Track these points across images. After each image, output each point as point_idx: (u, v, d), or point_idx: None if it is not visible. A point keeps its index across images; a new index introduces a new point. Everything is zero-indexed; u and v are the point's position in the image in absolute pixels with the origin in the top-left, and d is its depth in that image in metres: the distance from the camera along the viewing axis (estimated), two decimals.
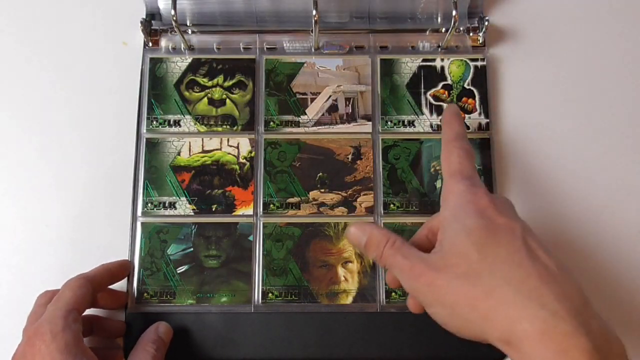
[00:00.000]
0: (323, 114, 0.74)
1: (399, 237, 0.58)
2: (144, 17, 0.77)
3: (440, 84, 0.75)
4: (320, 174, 0.73)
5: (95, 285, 0.64)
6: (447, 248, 0.55)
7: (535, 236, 0.55)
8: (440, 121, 0.74)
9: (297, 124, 0.74)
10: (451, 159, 0.60)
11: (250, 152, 0.73)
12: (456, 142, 0.61)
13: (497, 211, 0.55)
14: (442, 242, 0.56)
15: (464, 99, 0.75)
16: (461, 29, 0.78)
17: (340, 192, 0.72)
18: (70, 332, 0.57)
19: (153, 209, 0.71)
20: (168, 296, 0.69)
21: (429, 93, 0.75)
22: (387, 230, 0.59)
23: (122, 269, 0.69)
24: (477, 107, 0.75)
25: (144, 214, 0.71)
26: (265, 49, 0.77)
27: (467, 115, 0.74)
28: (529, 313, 0.49)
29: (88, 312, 0.65)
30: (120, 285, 0.70)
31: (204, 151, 0.73)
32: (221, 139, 0.74)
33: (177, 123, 0.74)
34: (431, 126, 0.74)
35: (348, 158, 0.73)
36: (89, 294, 0.62)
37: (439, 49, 0.77)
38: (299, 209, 0.72)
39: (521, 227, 0.54)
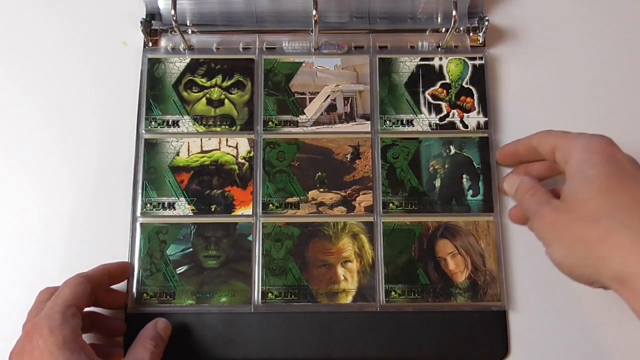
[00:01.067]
0: (322, 114, 0.74)
1: (542, 188, 0.63)
2: (144, 17, 0.77)
3: (439, 83, 0.75)
4: (319, 173, 0.73)
5: (94, 284, 0.64)
6: (572, 195, 0.58)
7: None
8: (444, 120, 0.74)
9: (295, 124, 0.74)
10: (552, 132, 0.65)
11: (249, 152, 0.73)
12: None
13: (625, 160, 0.58)
14: (567, 191, 0.59)
15: (462, 97, 0.75)
16: (461, 28, 0.78)
17: (339, 192, 0.72)
18: (68, 327, 0.57)
19: (152, 210, 0.71)
20: (168, 296, 0.69)
21: (427, 92, 0.75)
22: (534, 182, 0.65)
23: (121, 271, 0.69)
24: (476, 105, 0.75)
25: (143, 214, 0.71)
26: (264, 49, 0.77)
27: (465, 114, 0.74)
28: None
29: (89, 309, 0.65)
30: (120, 286, 0.70)
31: (202, 151, 0.73)
32: (220, 139, 0.74)
33: (175, 123, 0.74)
34: (430, 125, 0.74)
35: (347, 157, 0.73)
36: (87, 292, 0.62)
37: (439, 49, 0.77)
38: (298, 209, 0.72)
39: None
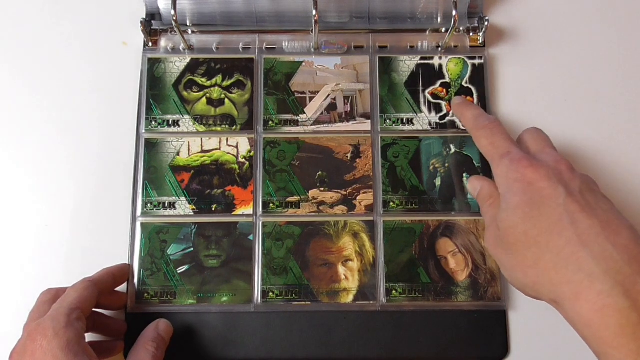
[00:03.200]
0: (322, 113, 0.74)
1: (494, 201, 0.64)
2: (144, 17, 0.77)
3: (439, 82, 0.75)
4: (320, 172, 0.73)
5: (100, 288, 0.64)
6: (502, 223, 0.60)
7: (584, 195, 0.58)
8: (444, 119, 0.74)
9: (296, 123, 0.74)
10: (482, 144, 0.66)
11: (250, 151, 0.73)
12: (476, 125, 0.67)
13: (542, 179, 0.59)
14: (499, 218, 0.61)
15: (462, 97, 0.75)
16: (461, 29, 0.78)
17: (339, 191, 0.72)
18: (72, 329, 0.57)
19: (153, 209, 0.71)
20: (168, 296, 0.69)
21: (427, 91, 0.75)
22: (493, 190, 0.65)
23: (122, 272, 0.69)
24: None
25: (143, 214, 0.71)
26: (264, 48, 0.77)
27: None
28: (568, 277, 0.54)
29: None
30: (120, 288, 0.70)
31: (203, 151, 0.73)
32: (220, 139, 0.74)
33: (176, 123, 0.74)
34: (430, 124, 0.74)
35: (347, 157, 0.73)
36: (93, 296, 0.62)
37: (439, 49, 0.77)
38: (299, 208, 0.72)
39: (564, 192, 0.57)
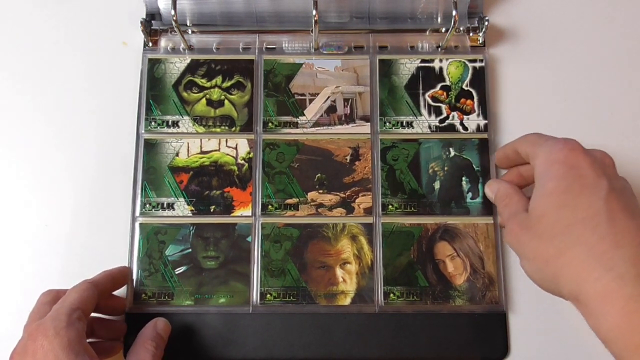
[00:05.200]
0: (321, 115, 0.74)
1: (517, 195, 0.64)
2: (144, 17, 0.77)
3: (439, 85, 0.75)
4: (319, 175, 0.73)
5: (100, 290, 0.64)
6: (532, 210, 0.59)
7: (626, 195, 0.57)
8: (444, 122, 0.74)
9: (295, 125, 0.74)
10: (528, 139, 0.64)
11: (249, 153, 0.73)
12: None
13: (588, 166, 0.57)
14: (531, 205, 0.59)
15: (462, 100, 0.75)
16: (461, 29, 0.78)
17: (338, 193, 0.72)
18: (73, 329, 0.57)
19: (151, 210, 0.72)
20: (166, 297, 0.69)
21: (427, 94, 0.75)
22: (511, 189, 0.65)
23: (122, 275, 0.69)
24: (476, 108, 0.74)
25: (142, 214, 0.71)
26: (264, 49, 0.77)
27: (465, 116, 0.74)
28: (596, 275, 0.52)
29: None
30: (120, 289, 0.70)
31: (202, 152, 0.73)
32: (219, 140, 0.74)
33: (175, 124, 0.74)
34: (429, 127, 0.74)
35: (346, 159, 0.73)
36: (94, 297, 0.62)
37: (439, 49, 0.77)
38: (298, 210, 0.72)
39: (608, 186, 0.56)
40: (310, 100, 0.75)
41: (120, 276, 0.69)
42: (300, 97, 0.75)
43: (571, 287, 0.54)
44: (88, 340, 0.59)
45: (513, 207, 0.62)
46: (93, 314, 0.65)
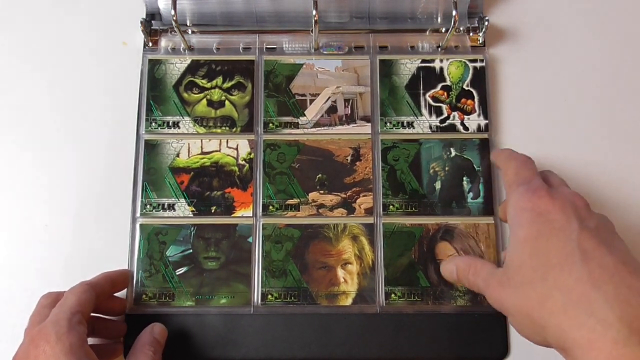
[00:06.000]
0: (322, 116, 0.74)
1: (479, 260, 0.63)
2: (144, 17, 0.77)
3: (439, 85, 0.75)
4: (320, 175, 0.72)
5: (98, 292, 0.63)
6: (508, 261, 0.57)
7: (601, 232, 0.55)
8: (445, 122, 0.74)
9: (296, 126, 0.74)
10: (508, 173, 0.63)
11: (250, 153, 0.73)
12: (509, 158, 0.65)
13: (556, 210, 0.56)
14: (507, 257, 0.58)
15: (463, 100, 0.75)
16: (461, 29, 0.78)
17: (339, 194, 0.72)
18: (75, 334, 0.56)
19: (152, 211, 0.71)
20: (167, 298, 0.69)
21: (428, 94, 0.75)
22: (469, 259, 0.65)
23: (122, 278, 0.69)
24: (476, 108, 0.74)
25: (143, 215, 0.71)
26: (264, 49, 0.77)
27: (465, 116, 0.74)
28: (578, 321, 0.50)
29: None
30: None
31: (203, 153, 0.73)
32: (220, 141, 0.74)
33: (176, 124, 0.74)
34: (430, 127, 0.74)
35: (347, 159, 0.73)
36: (92, 299, 0.62)
37: (439, 49, 0.77)
38: (298, 211, 0.72)
39: (578, 226, 0.54)
40: (311, 101, 0.75)
41: (120, 279, 0.68)
42: (300, 98, 0.75)
43: (557, 336, 0.52)
44: (89, 341, 0.60)
45: (483, 271, 0.61)
46: (93, 314, 0.66)
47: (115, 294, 0.69)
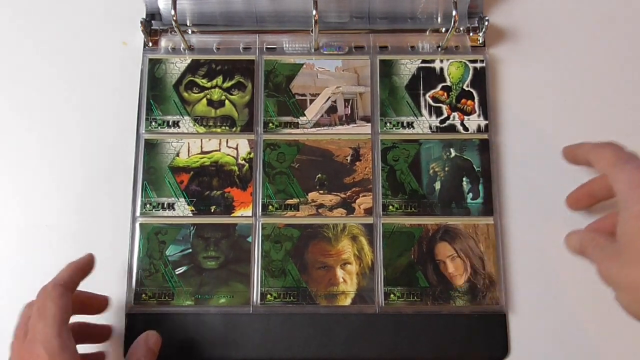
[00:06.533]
0: (322, 115, 0.74)
1: (602, 236, 0.61)
2: (144, 17, 0.77)
3: (440, 86, 0.75)
4: (319, 175, 0.73)
5: (73, 289, 0.61)
6: (619, 236, 0.56)
7: None
8: (445, 122, 0.74)
9: (296, 125, 0.74)
10: (605, 156, 0.61)
11: (249, 153, 0.73)
12: (597, 146, 0.64)
13: None
14: (618, 233, 0.57)
15: (463, 100, 0.75)
16: (461, 29, 0.78)
17: (339, 194, 0.72)
18: (68, 351, 0.55)
19: (152, 210, 0.71)
20: (166, 297, 0.69)
21: (428, 94, 0.75)
22: (594, 233, 0.63)
23: (89, 264, 0.65)
24: (476, 108, 0.75)
25: (142, 214, 0.71)
26: (264, 49, 0.77)
27: (465, 117, 0.74)
28: None
29: (75, 322, 0.64)
30: (118, 287, 0.70)
31: (202, 152, 0.73)
32: (220, 140, 0.74)
33: (176, 124, 0.74)
34: (430, 128, 0.74)
35: (347, 159, 0.73)
36: (70, 301, 0.59)
37: (439, 49, 0.77)
38: (298, 210, 0.72)
39: None
40: (311, 101, 0.75)
41: (87, 265, 0.65)
42: (300, 98, 0.75)
43: None
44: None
45: (602, 243, 0.59)
46: (78, 320, 0.65)
47: (115, 294, 0.69)
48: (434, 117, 0.74)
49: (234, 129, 0.74)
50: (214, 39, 0.77)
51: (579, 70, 0.78)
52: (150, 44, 0.77)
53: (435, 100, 0.75)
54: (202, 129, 0.74)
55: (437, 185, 0.72)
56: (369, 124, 0.74)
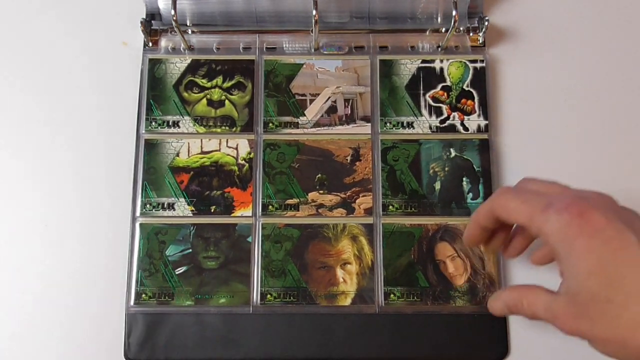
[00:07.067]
0: (322, 115, 0.74)
1: (526, 288, 0.57)
2: (144, 17, 0.77)
3: (440, 86, 0.75)
4: (319, 175, 0.73)
5: None
6: (573, 292, 0.52)
7: None
8: (445, 122, 0.74)
9: (296, 125, 0.74)
10: (512, 208, 0.56)
11: (249, 153, 0.73)
12: (498, 198, 0.58)
13: (604, 226, 0.50)
14: (567, 288, 0.52)
15: (463, 100, 0.75)
16: (461, 29, 0.78)
17: (339, 194, 0.72)
18: None
19: (152, 210, 0.71)
20: (166, 297, 0.69)
21: (428, 94, 0.75)
22: (515, 289, 0.59)
23: None
24: (476, 108, 0.75)
25: (142, 214, 0.71)
26: (264, 49, 0.77)
27: (465, 117, 0.74)
28: None
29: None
30: (118, 287, 0.70)
31: (202, 152, 0.73)
32: (220, 140, 0.74)
33: (176, 124, 0.74)
34: (430, 128, 0.74)
35: (347, 159, 0.73)
36: None
37: (439, 49, 0.77)
38: (298, 210, 0.72)
39: (635, 239, 0.49)
40: (311, 101, 0.75)
41: None
42: (300, 98, 0.75)
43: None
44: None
45: (540, 300, 0.55)
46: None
47: (114, 293, 0.69)
48: (434, 117, 0.74)
49: (234, 129, 0.74)
50: (214, 39, 0.77)
51: (579, 70, 0.78)
52: (150, 44, 0.77)
53: (435, 100, 0.75)
54: (202, 129, 0.74)
55: (437, 185, 0.72)
56: (369, 124, 0.74)
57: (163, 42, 0.77)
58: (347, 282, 0.70)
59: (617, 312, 0.49)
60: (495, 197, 0.58)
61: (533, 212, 0.53)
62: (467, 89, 0.75)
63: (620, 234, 0.50)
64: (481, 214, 0.60)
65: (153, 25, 0.77)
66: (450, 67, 0.76)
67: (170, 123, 0.74)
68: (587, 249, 0.50)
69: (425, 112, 0.75)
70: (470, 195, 0.72)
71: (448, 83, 0.75)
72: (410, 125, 0.74)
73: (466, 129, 0.74)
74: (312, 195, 0.72)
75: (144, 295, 0.69)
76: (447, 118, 0.74)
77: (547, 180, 0.58)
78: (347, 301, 0.69)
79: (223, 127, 0.74)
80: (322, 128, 0.74)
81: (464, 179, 0.73)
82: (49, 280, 0.70)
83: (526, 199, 0.55)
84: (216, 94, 0.75)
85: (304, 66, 0.76)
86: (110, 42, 0.79)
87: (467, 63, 0.76)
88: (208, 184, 0.72)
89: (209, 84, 0.75)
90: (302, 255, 0.71)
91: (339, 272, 0.70)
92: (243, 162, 0.73)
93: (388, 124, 0.74)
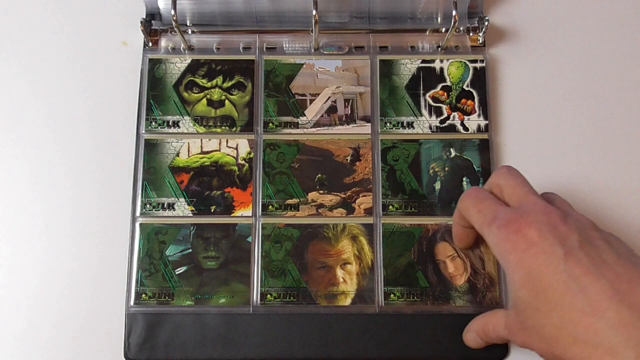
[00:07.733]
0: (322, 115, 0.74)
1: (487, 315, 0.63)
2: (144, 17, 0.77)
3: (440, 86, 0.75)
4: (319, 175, 0.73)
5: None
6: (513, 304, 0.56)
7: (583, 248, 0.52)
8: (445, 122, 0.74)
9: (296, 125, 0.74)
10: (471, 215, 0.60)
11: (249, 153, 0.73)
12: (462, 208, 0.62)
13: (535, 242, 0.53)
14: (511, 299, 0.57)
15: (463, 100, 0.75)
16: (461, 29, 0.78)
17: (339, 194, 0.72)
18: None
19: (152, 210, 0.71)
20: (166, 297, 0.69)
21: (428, 94, 0.75)
22: (479, 319, 0.64)
23: None
24: (477, 108, 0.74)
25: (142, 214, 0.71)
26: (264, 49, 0.77)
27: (466, 117, 0.74)
28: (588, 354, 0.49)
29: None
30: (118, 287, 0.70)
31: (202, 152, 0.73)
32: (220, 140, 0.74)
33: (175, 124, 0.74)
34: (430, 128, 0.74)
35: (347, 159, 0.73)
36: None
37: (439, 49, 0.77)
38: (298, 210, 0.72)
39: (562, 253, 0.52)
40: (311, 101, 0.75)
41: None
42: (300, 98, 0.75)
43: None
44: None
45: (499, 321, 0.60)
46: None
47: (114, 293, 0.69)
48: (434, 117, 0.74)
49: (234, 129, 0.74)
50: (213, 39, 0.77)
51: (579, 70, 0.78)
52: (150, 44, 0.77)
53: (435, 100, 0.75)
54: (202, 129, 0.74)
55: (437, 185, 0.72)
56: (369, 124, 0.74)
57: (163, 42, 0.77)
58: (347, 282, 0.70)
59: (543, 320, 0.52)
60: (461, 199, 0.62)
61: (482, 223, 0.58)
62: (467, 89, 0.75)
63: (550, 247, 0.52)
64: (455, 214, 0.65)
65: (153, 25, 0.77)
66: (450, 67, 0.76)
67: (170, 123, 0.74)
68: (518, 262, 0.53)
69: (425, 112, 0.75)
70: None
71: (448, 83, 0.75)
72: (410, 125, 0.74)
73: (466, 129, 0.74)
74: (312, 195, 0.72)
75: (144, 295, 0.69)
76: (447, 118, 0.74)
77: (517, 181, 0.60)
78: (347, 301, 0.69)
79: (223, 127, 0.74)
80: (322, 128, 0.74)
81: (464, 179, 0.73)
82: (48, 280, 0.70)
83: (481, 208, 0.59)
84: (216, 94, 0.75)
85: (304, 66, 0.76)
86: (110, 42, 0.78)
87: (467, 63, 0.76)
88: (208, 184, 0.72)
89: (209, 84, 0.75)
90: (302, 255, 0.70)
91: (339, 272, 0.70)
92: (243, 162, 0.73)
93: (388, 124, 0.74)
